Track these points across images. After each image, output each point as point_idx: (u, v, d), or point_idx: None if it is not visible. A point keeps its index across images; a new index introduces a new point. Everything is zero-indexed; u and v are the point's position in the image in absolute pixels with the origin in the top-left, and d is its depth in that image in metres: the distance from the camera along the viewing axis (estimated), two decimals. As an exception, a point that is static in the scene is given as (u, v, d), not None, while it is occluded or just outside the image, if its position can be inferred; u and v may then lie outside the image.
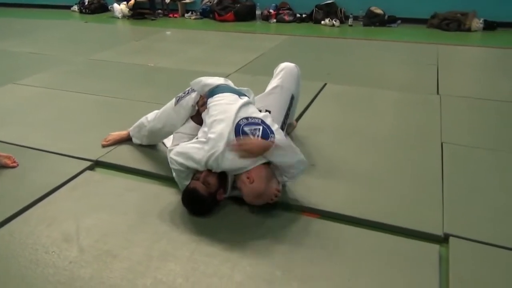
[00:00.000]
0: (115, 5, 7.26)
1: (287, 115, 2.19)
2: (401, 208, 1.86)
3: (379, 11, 5.95)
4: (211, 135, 1.78)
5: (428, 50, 4.60)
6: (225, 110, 1.87)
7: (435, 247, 1.63)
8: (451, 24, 5.56)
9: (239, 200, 1.88)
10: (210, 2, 6.86)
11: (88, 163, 2.28)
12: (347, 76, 3.75)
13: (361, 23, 6.04)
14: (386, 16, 5.95)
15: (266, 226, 1.77)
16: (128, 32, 6.44)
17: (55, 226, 1.79)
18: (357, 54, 4.59)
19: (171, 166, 1.90)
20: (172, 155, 1.88)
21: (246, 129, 1.80)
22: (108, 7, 7.69)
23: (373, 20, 5.96)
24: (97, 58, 4.52)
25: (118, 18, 7.17)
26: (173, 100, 2.17)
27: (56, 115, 2.95)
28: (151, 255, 1.62)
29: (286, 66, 2.31)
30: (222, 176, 1.83)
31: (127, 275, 1.52)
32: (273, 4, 6.54)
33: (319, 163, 2.24)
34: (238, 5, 6.60)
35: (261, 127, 1.82)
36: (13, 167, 2.21)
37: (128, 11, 7.17)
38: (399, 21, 6.00)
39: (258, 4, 6.59)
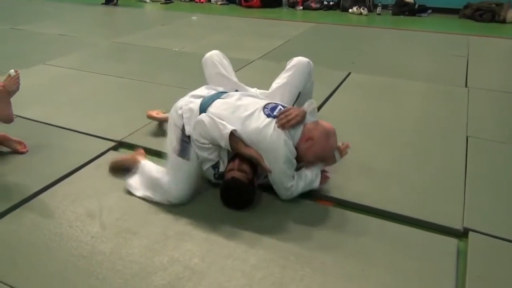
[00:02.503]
0: (144, -11, 7.31)
1: None
2: (421, 201, 1.84)
3: (409, 0, 5.78)
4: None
5: (458, 41, 4.46)
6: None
7: (453, 241, 1.60)
8: (485, 14, 5.36)
9: (259, 188, 1.89)
10: (237, -12, 6.82)
11: (112, 144, 2.34)
12: (373, 66, 3.68)
13: (390, 12, 5.89)
14: (416, 5, 5.78)
15: (283, 212, 1.78)
16: (155, 16, 6.49)
17: (79, 202, 1.86)
18: (385, 44, 4.49)
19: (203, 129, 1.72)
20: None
21: (275, 113, 1.80)
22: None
23: (402, 9, 5.80)
24: (123, 41, 4.59)
25: (146, 2, 7.23)
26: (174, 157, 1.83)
27: (82, 96, 3.03)
28: (168, 234, 1.66)
29: (298, 62, 2.24)
30: (252, 163, 1.80)
31: (145, 252, 1.57)
32: (301, -9, 6.45)
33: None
34: (265, -9, 6.54)
35: (280, 106, 1.85)
36: (23, 152, 2.24)
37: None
38: (429, 11, 5.82)
39: (285, -10, 6.52)
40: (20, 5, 6.93)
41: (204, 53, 2.33)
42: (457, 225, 1.68)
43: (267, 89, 2.23)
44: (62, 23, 5.55)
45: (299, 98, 2.27)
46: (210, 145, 1.74)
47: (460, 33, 4.80)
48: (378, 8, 5.93)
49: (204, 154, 1.77)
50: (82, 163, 2.15)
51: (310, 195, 1.87)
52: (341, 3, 6.17)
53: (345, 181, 1.98)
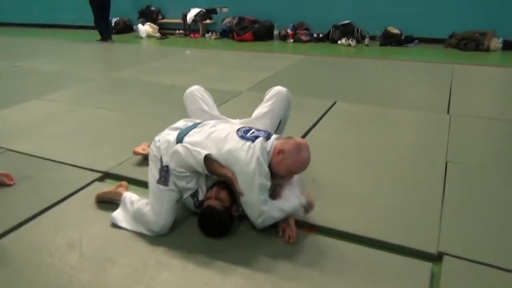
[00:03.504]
0: (140, 26, 7.58)
1: None
2: (397, 226, 1.86)
3: (395, 31, 5.98)
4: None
5: (443, 70, 4.58)
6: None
7: (427, 265, 1.62)
8: (469, 44, 5.53)
9: (240, 217, 1.91)
10: (230, 23, 7.06)
11: (98, 175, 2.39)
12: (359, 95, 3.78)
13: (378, 43, 6.08)
14: (403, 36, 5.97)
15: (262, 240, 1.80)
16: (151, 51, 6.69)
17: (61, 233, 1.89)
18: (371, 73, 4.62)
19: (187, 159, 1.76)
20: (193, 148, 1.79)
21: (248, 135, 1.85)
22: (133, 28, 8.01)
23: (389, 40, 5.99)
24: (118, 76, 4.73)
25: (142, 38, 7.47)
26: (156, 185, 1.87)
27: (73, 129, 3.11)
28: (147, 263, 1.67)
29: (278, 91, 2.34)
30: (231, 192, 1.83)
31: (122, 281, 1.58)
32: (291, 24, 6.68)
33: (319, 179, 2.27)
34: (257, 25, 6.77)
35: (254, 129, 1.93)
36: (10, 185, 2.27)
37: (153, 31, 7.48)
38: (416, 41, 6.01)
39: (276, 24, 6.74)
40: (23, 43, 7.16)
41: (192, 85, 2.42)
42: (432, 249, 1.70)
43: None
44: (60, 59, 5.73)
45: (279, 126, 2.35)
46: (188, 174, 1.79)
47: (444, 62, 4.94)
48: (366, 39, 6.12)
49: (182, 183, 1.81)
50: (67, 194, 2.18)
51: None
52: (330, 35, 6.37)
53: (323, 207, 2.00)
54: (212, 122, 2.04)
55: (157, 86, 4.26)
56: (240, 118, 2.38)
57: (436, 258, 1.67)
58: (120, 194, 2.02)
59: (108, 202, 2.06)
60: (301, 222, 1.90)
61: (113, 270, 1.64)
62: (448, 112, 3.25)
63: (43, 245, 1.80)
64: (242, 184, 1.75)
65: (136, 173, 2.36)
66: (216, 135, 1.86)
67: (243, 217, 1.90)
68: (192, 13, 7.38)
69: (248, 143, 1.79)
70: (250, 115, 2.38)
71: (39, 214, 2.03)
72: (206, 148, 1.79)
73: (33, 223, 1.97)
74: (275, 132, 2.25)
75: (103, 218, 1.97)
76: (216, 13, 7.35)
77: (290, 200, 1.82)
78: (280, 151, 1.79)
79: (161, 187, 1.84)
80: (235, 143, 1.80)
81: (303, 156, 1.80)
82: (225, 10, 7.26)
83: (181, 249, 1.75)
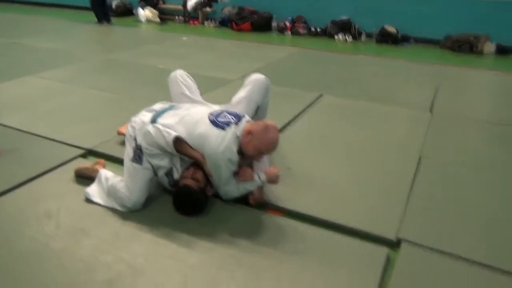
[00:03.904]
0: (140, 10, 7.58)
1: None
2: (361, 212, 1.95)
3: (392, 29, 6.02)
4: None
5: (434, 70, 4.64)
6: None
7: (384, 250, 1.71)
8: (463, 46, 5.57)
9: (213, 196, 2.00)
10: (229, 12, 7.08)
11: (82, 151, 2.46)
12: (347, 90, 3.83)
13: (374, 40, 6.12)
14: (399, 35, 6.01)
15: (230, 220, 1.89)
16: (148, 36, 6.71)
17: (40, 204, 1.97)
18: (364, 70, 4.67)
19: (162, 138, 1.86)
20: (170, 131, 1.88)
21: (220, 119, 1.93)
22: (133, 12, 8.01)
23: (386, 38, 6.02)
24: (113, 58, 4.78)
25: (142, 22, 7.48)
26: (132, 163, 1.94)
27: (63, 106, 3.17)
28: (119, 235, 1.76)
29: (256, 78, 2.42)
30: (205, 173, 1.93)
31: (93, 251, 1.67)
32: (289, 17, 6.70)
33: (294, 167, 2.35)
34: (256, 16, 6.79)
35: (225, 113, 2.00)
36: None
37: (152, 16, 7.49)
38: (412, 40, 6.04)
39: (275, 16, 6.77)
40: (23, 21, 7.18)
41: (187, 72, 2.48)
42: (391, 235, 1.78)
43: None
44: (58, 38, 5.76)
45: (257, 111, 2.42)
46: (159, 152, 1.87)
47: (437, 63, 4.99)
48: (362, 36, 6.16)
49: (155, 161, 1.89)
50: (49, 167, 2.27)
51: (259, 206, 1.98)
52: (327, 30, 6.40)
53: (292, 193, 2.09)
54: (186, 105, 2.12)
55: (150, 69, 4.31)
56: (221, 104, 2.45)
57: (395, 244, 1.76)
58: (97, 171, 2.09)
59: (86, 178, 2.14)
60: (269, 205, 1.98)
61: (86, 240, 1.73)
62: (430, 111, 3.32)
63: (21, 215, 1.89)
64: (209, 166, 1.83)
65: (117, 151, 2.43)
66: (189, 118, 1.93)
67: (216, 196, 1.98)
68: (192, 0, 7.39)
69: (219, 130, 1.86)
70: (234, 102, 2.45)
71: (21, 186, 2.11)
72: (177, 130, 1.86)
73: (14, 193, 2.05)
74: (253, 118, 2.33)
75: (82, 192, 2.05)
76: (216, 1, 7.36)
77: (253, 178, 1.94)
78: (249, 132, 1.88)
79: (135, 165, 1.91)
80: (206, 127, 1.87)
81: (270, 136, 1.88)
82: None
83: (152, 224, 1.83)
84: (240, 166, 1.98)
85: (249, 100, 2.36)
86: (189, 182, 1.88)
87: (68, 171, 2.25)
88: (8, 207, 1.95)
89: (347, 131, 2.89)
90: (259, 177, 1.95)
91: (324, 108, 3.34)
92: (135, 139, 1.94)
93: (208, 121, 1.90)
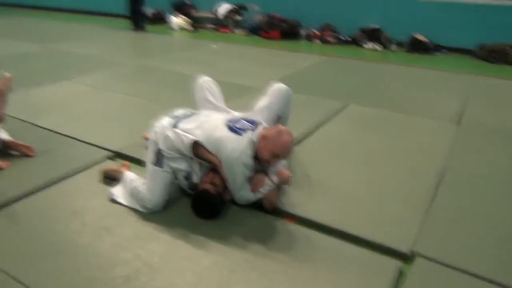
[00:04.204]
0: (173, 18, 7.82)
1: None
2: (377, 224, 1.94)
3: (423, 38, 5.92)
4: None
5: (466, 81, 4.53)
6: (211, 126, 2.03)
7: (396, 263, 1.69)
8: (498, 56, 5.40)
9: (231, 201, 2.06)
10: (259, 20, 7.18)
11: (109, 153, 2.58)
12: (374, 99, 3.80)
13: (404, 49, 6.03)
14: (431, 44, 5.90)
15: (245, 225, 1.93)
16: (179, 43, 6.90)
17: (69, 202, 2.09)
18: (392, 79, 4.62)
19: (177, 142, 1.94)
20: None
21: (237, 126, 1.99)
22: (167, 19, 8.25)
23: (416, 47, 5.93)
24: (144, 64, 4.96)
25: (174, 29, 7.71)
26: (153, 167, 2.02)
27: (94, 110, 3.33)
28: (139, 235, 1.84)
29: (278, 88, 2.46)
30: (223, 178, 1.98)
31: (114, 248, 1.75)
32: (318, 25, 6.72)
33: (312, 175, 2.37)
34: (285, 24, 6.86)
35: (242, 120, 2.06)
36: (30, 156, 2.49)
37: (185, 23, 7.71)
38: (443, 50, 5.92)
39: (303, 24, 6.80)
40: (62, 28, 7.56)
41: (214, 79, 2.57)
42: (405, 249, 1.77)
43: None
44: (94, 44, 6.03)
45: (278, 121, 2.46)
46: (178, 155, 1.94)
47: (469, 73, 4.87)
48: (392, 45, 6.09)
49: (175, 165, 1.97)
50: (80, 168, 2.39)
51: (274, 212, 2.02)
52: (356, 38, 6.37)
53: (308, 200, 2.11)
54: (206, 112, 2.19)
55: (178, 75, 4.44)
56: (242, 112, 2.51)
57: (409, 258, 1.74)
58: (122, 173, 2.19)
59: (112, 179, 2.24)
60: (283, 212, 2.01)
61: (108, 238, 1.82)
62: (458, 123, 3.25)
63: (52, 212, 2.01)
64: (225, 170, 1.89)
65: (141, 155, 2.51)
66: (208, 124, 2.00)
67: (232, 200, 2.04)
68: (223, 9, 7.55)
69: (236, 135, 1.93)
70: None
71: (53, 184, 2.24)
72: (196, 135, 1.93)
73: (46, 191, 2.18)
74: None
75: (107, 192, 2.15)
76: (246, 9, 7.48)
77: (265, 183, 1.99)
78: (263, 137, 1.93)
79: (156, 168, 1.99)
80: (223, 132, 1.94)
81: (284, 139, 1.93)
82: (255, 7, 7.38)
83: (170, 225, 1.90)
84: (254, 172, 2.03)
85: (270, 109, 2.41)
86: (207, 186, 1.94)
87: (96, 172, 2.36)
88: (40, 204, 2.07)
89: (370, 141, 2.87)
90: (272, 181, 1.99)
91: (349, 117, 3.34)
92: (156, 143, 2.02)
93: (225, 127, 1.97)
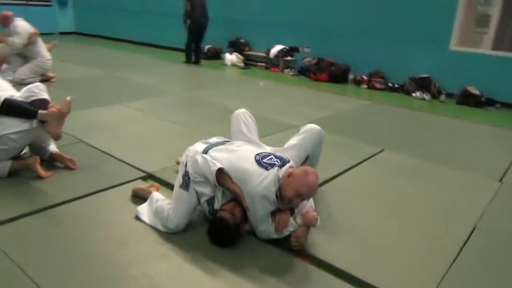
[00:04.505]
0: (227, 55, 8.22)
1: None
2: (396, 274, 1.87)
3: (476, 91, 5.74)
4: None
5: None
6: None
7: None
8: (557, 115, 5.09)
9: (248, 232, 2.09)
10: (309, 62, 7.35)
11: (143, 174, 2.73)
12: (412, 148, 3.71)
13: (455, 101, 5.87)
14: (484, 98, 5.69)
15: (259, 257, 1.94)
16: (229, 78, 7.21)
17: (99, 213, 2.25)
18: (436, 130, 4.50)
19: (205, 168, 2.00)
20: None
21: (265, 160, 2.04)
22: (221, 55, 8.69)
23: (467, 99, 5.75)
24: (192, 95, 5.24)
25: (227, 65, 8.09)
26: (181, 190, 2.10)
27: (138, 133, 3.55)
28: (152, 253, 1.91)
29: (311, 128, 2.51)
30: (244, 210, 2.01)
31: (126, 262, 1.83)
32: (367, 71, 6.75)
33: (335, 218, 2.34)
34: (333, 68, 6.96)
35: (273, 156, 2.10)
36: (72, 168, 2.70)
37: (237, 60, 8.07)
38: (498, 105, 5.68)
39: (352, 68, 6.87)
40: (123, 57, 8.21)
41: (253, 114, 2.68)
42: (419, 303, 1.68)
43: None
44: (149, 74, 6.46)
45: (307, 160, 2.49)
46: (203, 180, 2.01)
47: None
48: (442, 95, 5.95)
49: (199, 188, 2.04)
50: (114, 184, 2.56)
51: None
52: (405, 86, 6.30)
53: (328, 243, 2.08)
54: (238, 143, 2.26)
55: (221, 108, 4.62)
56: (273, 147, 2.57)
57: (422, 313, 1.66)
58: (150, 193, 2.31)
59: (140, 198, 2.36)
60: (302, 251, 1.99)
61: (123, 252, 1.92)
62: (500, 180, 3.08)
63: (83, 220, 2.17)
64: (248, 202, 1.93)
65: (172, 178, 2.63)
66: (237, 155, 2.07)
67: (251, 232, 2.06)
68: (275, 49, 7.82)
69: (262, 169, 1.97)
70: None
71: (89, 195, 2.41)
72: (223, 163, 2.00)
73: (82, 201, 2.36)
74: (302, 165, 2.41)
75: (133, 210, 2.26)
76: (298, 51, 7.71)
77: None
78: (290, 175, 1.95)
79: (182, 191, 2.08)
80: (251, 165, 1.99)
81: (310, 179, 1.94)
82: (307, 50, 7.58)
83: (184, 248, 1.96)
84: (279, 210, 2.05)
85: (300, 148, 2.45)
86: (226, 215, 1.98)
87: (128, 190, 2.50)
88: (72, 212, 2.24)
89: (400, 189, 2.80)
90: (295, 221, 1.99)
91: (382, 163, 3.28)
92: (185, 166, 2.12)
93: (254, 160, 2.02)
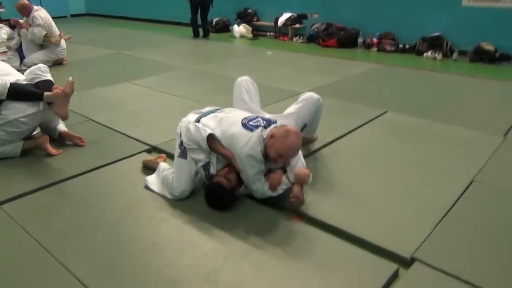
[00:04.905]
0: (235, 26, 8.16)
1: None
2: (387, 229, 1.93)
3: (489, 47, 5.54)
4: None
5: (530, 92, 4.18)
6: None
7: (394, 266, 1.68)
8: None
9: (244, 196, 2.18)
10: (318, 28, 7.22)
11: (147, 147, 2.84)
12: (417, 108, 3.68)
13: (468, 58, 5.70)
14: (498, 54, 5.51)
15: (252, 218, 2.04)
16: (237, 50, 7.18)
17: (109, 184, 2.39)
18: (445, 89, 4.41)
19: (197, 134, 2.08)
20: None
21: (251, 123, 2.10)
22: (229, 28, 8.62)
23: (481, 56, 5.57)
24: (200, 69, 5.28)
25: (236, 37, 8.04)
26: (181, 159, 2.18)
27: (142, 109, 3.65)
28: (155, 217, 2.04)
29: (309, 96, 2.53)
30: (239, 174, 2.11)
31: (131, 226, 1.97)
32: (377, 33, 6.59)
33: (331, 179, 2.40)
34: (342, 33, 6.83)
35: (259, 118, 2.16)
36: (81, 145, 2.83)
37: (246, 32, 8.01)
38: (513, 60, 5.49)
39: (361, 32, 6.72)
40: (131, 35, 8.27)
41: (258, 83, 2.72)
42: (406, 254, 1.74)
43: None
44: (158, 50, 6.53)
45: (305, 128, 2.53)
46: (196, 147, 2.10)
47: (537, 84, 4.48)
48: (454, 53, 5.78)
49: (194, 155, 2.14)
50: (121, 157, 2.68)
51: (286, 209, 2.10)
52: (416, 47, 6.14)
53: (319, 201, 2.15)
54: (228, 109, 2.32)
55: (228, 80, 4.62)
56: (273, 114, 2.61)
57: (408, 263, 1.72)
58: (158, 163, 2.41)
59: (150, 168, 2.48)
60: (296, 211, 2.07)
61: (129, 217, 2.05)
62: (504, 135, 3.04)
63: (94, 191, 2.30)
64: (238, 163, 2.01)
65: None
66: (225, 120, 2.14)
67: (247, 195, 2.15)
68: (283, 17, 7.71)
69: (248, 131, 2.04)
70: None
71: (99, 168, 2.55)
72: (214, 130, 2.08)
73: (92, 173, 2.50)
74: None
75: (142, 179, 2.38)
76: (306, 18, 7.57)
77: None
78: (271, 136, 2.01)
79: (181, 159, 2.18)
80: (237, 128, 2.06)
81: (289, 140, 1.99)
82: (315, 16, 7.43)
83: (185, 212, 2.07)
84: (270, 170, 2.13)
85: (297, 116, 2.49)
86: (221, 180, 2.07)
87: (134, 162, 2.62)
88: (84, 185, 2.39)
89: (400, 149, 2.82)
90: (288, 179, 2.07)
91: (383, 124, 3.28)
92: (180, 136, 2.20)
93: (240, 124, 2.09)
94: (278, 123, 2.16)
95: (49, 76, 2.74)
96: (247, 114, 2.23)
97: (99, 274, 1.66)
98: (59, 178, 2.41)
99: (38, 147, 2.71)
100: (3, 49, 5.76)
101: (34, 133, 2.88)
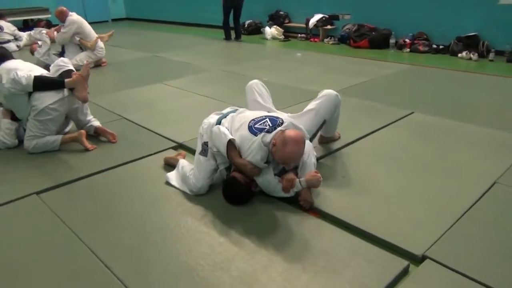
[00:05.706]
0: (267, 28, 8.26)
1: (314, 135, 2.55)
2: (402, 227, 1.94)
3: (529, 46, 5.32)
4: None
5: None
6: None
7: (404, 263, 1.70)
8: None
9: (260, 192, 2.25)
10: (349, 29, 7.19)
11: (174, 144, 2.98)
12: (446, 109, 3.61)
13: (505, 58, 5.49)
14: (538, 53, 5.28)
15: (268, 212, 2.11)
16: (268, 51, 7.27)
17: (134, 178, 2.53)
18: (477, 90, 4.29)
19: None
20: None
21: (257, 126, 2.16)
22: (261, 30, 8.73)
23: (520, 56, 5.36)
24: (229, 70, 5.41)
25: (267, 39, 8.13)
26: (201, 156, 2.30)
27: (171, 108, 3.82)
28: (176, 210, 2.16)
29: (328, 93, 2.57)
30: None
31: (155, 217, 2.09)
32: (410, 34, 6.47)
33: (350, 176, 2.43)
34: (374, 33, 6.76)
35: (267, 119, 2.20)
36: (113, 142, 3.02)
37: (277, 33, 8.09)
38: (555, 60, 5.24)
39: (393, 33, 6.62)
40: (165, 38, 8.55)
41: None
42: (418, 252, 1.75)
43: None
44: (189, 53, 6.73)
45: (324, 125, 2.58)
46: (220, 153, 2.19)
47: None
48: (491, 53, 5.58)
49: (219, 160, 2.24)
50: (148, 153, 2.84)
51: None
52: (451, 47, 5.98)
53: (337, 197, 2.19)
54: (242, 110, 2.40)
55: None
56: (290, 114, 2.67)
57: (420, 260, 1.73)
58: (177, 160, 2.54)
59: (171, 165, 2.61)
60: (311, 208, 2.13)
61: (153, 209, 2.18)
62: (536, 137, 2.94)
63: (117, 185, 2.46)
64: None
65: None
66: (237, 120, 2.24)
67: (263, 193, 2.23)
68: (315, 19, 7.72)
69: (252, 135, 2.11)
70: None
71: (125, 164, 2.71)
72: (230, 131, 2.18)
73: (117, 169, 2.66)
74: (317, 131, 2.57)
75: (164, 175, 2.51)
76: (337, 19, 7.55)
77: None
78: (273, 144, 2.07)
79: (201, 157, 2.28)
80: (244, 131, 2.15)
81: (288, 149, 2.02)
82: (346, 17, 7.41)
83: (204, 206, 2.18)
84: (284, 170, 2.20)
85: (316, 113, 2.54)
86: (237, 175, 2.16)
87: (160, 158, 2.76)
88: (112, 178, 2.55)
89: (423, 149, 2.79)
90: (300, 182, 2.12)
91: (409, 125, 3.25)
92: (202, 136, 2.31)
93: (247, 126, 2.17)
94: (283, 126, 2.16)
95: (71, 66, 2.99)
96: (257, 115, 2.27)
97: (123, 260, 1.79)
98: (91, 171, 2.59)
99: (76, 141, 2.91)
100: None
101: (67, 129, 3.12)
